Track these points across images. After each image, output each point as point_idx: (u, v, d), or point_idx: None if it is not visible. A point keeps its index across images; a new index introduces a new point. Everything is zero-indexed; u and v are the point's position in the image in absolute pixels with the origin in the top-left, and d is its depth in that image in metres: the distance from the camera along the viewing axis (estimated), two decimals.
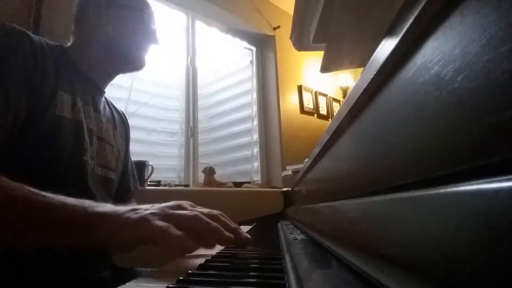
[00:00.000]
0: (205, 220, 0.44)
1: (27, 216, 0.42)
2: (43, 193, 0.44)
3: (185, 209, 0.47)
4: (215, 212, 0.49)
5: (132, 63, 0.73)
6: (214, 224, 0.45)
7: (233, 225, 0.50)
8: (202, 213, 0.46)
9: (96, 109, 0.69)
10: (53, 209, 0.43)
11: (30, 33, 0.57)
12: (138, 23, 0.72)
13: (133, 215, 0.44)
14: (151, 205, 0.46)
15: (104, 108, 0.75)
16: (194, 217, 0.44)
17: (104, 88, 0.74)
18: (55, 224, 0.43)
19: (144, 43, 0.74)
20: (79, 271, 0.58)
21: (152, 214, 0.43)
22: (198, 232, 0.43)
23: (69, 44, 0.70)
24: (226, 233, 0.45)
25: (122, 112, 0.86)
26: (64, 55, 0.65)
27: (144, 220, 0.43)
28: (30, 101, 0.53)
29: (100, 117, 0.70)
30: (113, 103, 0.83)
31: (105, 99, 0.77)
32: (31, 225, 0.42)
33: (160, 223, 0.42)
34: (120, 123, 0.81)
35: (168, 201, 0.49)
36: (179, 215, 0.44)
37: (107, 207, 0.46)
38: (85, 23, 0.69)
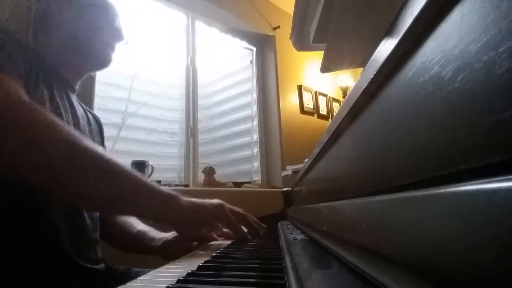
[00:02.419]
0: (251, 221, 0.68)
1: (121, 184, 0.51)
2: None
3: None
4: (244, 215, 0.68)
5: (97, 60, 0.74)
6: (255, 225, 0.68)
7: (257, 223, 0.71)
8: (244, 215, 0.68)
9: (71, 105, 0.71)
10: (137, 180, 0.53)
11: (5, 34, 0.60)
12: (101, 20, 0.73)
13: (206, 202, 0.62)
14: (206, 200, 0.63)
15: (78, 106, 0.76)
16: (245, 215, 0.67)
17: (76, 86, 0.76)
18: (140, 193, 0.53)
19: (109, 39, 0.75)
20: (76, 260, 0.58)
21: (222, 204, 0.63)
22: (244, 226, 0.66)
23: (38, 44, 0.71)
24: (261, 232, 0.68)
25: (93, 113, 0.88)
26: (36, 55, 0.66)
27: (220, 206, 0.63)
28: None
29: (76, 113, 0.71)
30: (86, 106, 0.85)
31: (77, 99, 0.78)
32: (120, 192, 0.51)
33: (229, 213, 0.63)
34: (93, 121, 0.83)
35: None
36: (239, 212, 0.66)
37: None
38: (49, 23, 0.71)
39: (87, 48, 0.71)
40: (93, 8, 0.73)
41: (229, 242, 0.65)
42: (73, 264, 0.57)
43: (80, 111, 0.76)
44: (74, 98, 0.74)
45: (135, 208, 0.57)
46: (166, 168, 1.78)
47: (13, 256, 0.50)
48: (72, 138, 0.48)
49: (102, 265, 0.67)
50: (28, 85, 0.56)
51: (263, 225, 0.70)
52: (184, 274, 0.33)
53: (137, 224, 0.77)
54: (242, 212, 0.68)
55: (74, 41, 0.70)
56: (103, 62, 0.75)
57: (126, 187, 0.52)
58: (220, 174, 1.88)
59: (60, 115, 0.62)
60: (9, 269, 0.49)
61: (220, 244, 0.63)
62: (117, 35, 0.76)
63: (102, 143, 0.86)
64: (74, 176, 0.47)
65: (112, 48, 0.76)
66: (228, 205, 0.65)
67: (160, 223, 0.61)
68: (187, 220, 0.58)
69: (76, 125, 0.70)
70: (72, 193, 0.49)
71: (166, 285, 0.29)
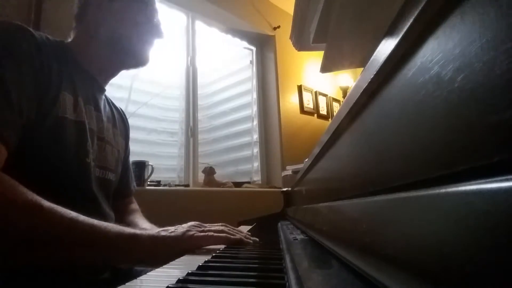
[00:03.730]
0: (230, 232, 0.59)
1: (71, 235, 0.46)
2: (73, 213, 0.47)
3: (197, 227, 0.58)
4: (222, 226, 0.61)
5: (135, 58, 0.70)
6: (238, 234, 0.59)
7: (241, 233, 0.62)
8: (217, 229, 0.59)
9: (97, 108, 0.68)
10: (92, 229, 0.48)
11: (31, 30, 0.56)
12: (140, 16, 0.69)
13: (169, 234, 0.53)
14: (173, 228, 0.55)
15: (105, 106, 0.73)
16: (222, 230, 0.58)
17: (105, 86, 0.73)
18: (97, 244, 0.48)
19: (148, 36, 0.71)
20: (79, 273, 0.57)
21: (189, 230, 0.54)
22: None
23: (70, 40, 0.67)
24: (246, 240, 0.59)
25: (121, 110, 0.84)
26: (65, 51, 0.63)
27: (187, 234, 0.53)
28: (38, 102, 0.52)
29: (101, 116, 0.69)
30: (113, 101, 0.82)
31: (105, 97, 0.75)
32: (71, 243, 0.46)
33: (202, 233, 0.54)
34: (120, 121, 0.80)
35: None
36: (210, 229, 0.57)
37: (135, 230, 0.53)
38: (86, 18, 0.67)
39: (124, 45, 0.67)
40: (133, 3, 0.69)
41: None
42: (75, 277, 0.56)
43: (106, 112, 0.73)
44: (102, 99, 0.71)
45: (95, 259, 0.51)
46: (166, 168, 1.78)
47: (11, 268, 0.49)
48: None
49: (106, 274, 0.66)
50: (48, 93, 0.54)
51: (252, 238, 0.62)
52: (184, 274, 0.33)
53: (142, 224, 0.75)
54: (220, 226, 0.60)
55: (112, 38, 0.66)
56: (141, 60, 0.71)
57: (77, 242, 0.47)
58: (220, 174, 1.88)
59: (81, 123, 0.60)
60: (6, 279, 0.48)
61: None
62: (156, 32, 0.72)
63: (126, 145, 0.83)
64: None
65: (151, 46, 0.72)
66: (198, 227, 0.57)
67: (127, 264, 0.56)
68: (152, 257, 0.51)
69: (100, 131, 0.67)
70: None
71: (166, 285, 0.29)
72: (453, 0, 0.12)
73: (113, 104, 0.81)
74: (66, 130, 0.56)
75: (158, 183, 1.58)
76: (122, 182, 0.80)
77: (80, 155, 0.59)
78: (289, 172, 1.38)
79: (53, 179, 0.54)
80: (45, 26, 1.20)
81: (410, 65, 0.15)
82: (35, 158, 0.52)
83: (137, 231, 0.52)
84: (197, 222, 0.60)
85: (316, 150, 0.45)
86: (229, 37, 2.26)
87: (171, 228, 0.55)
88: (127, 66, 0.73)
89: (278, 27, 2.41)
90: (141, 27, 0.69)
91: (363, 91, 0.21)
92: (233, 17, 2.17)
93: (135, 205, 0.84)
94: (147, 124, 1.75)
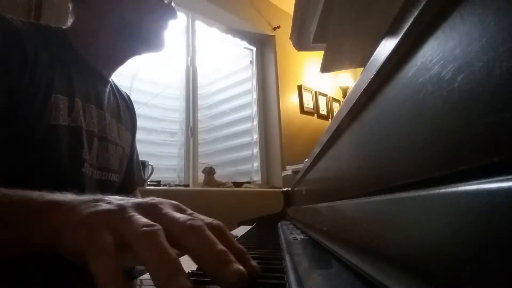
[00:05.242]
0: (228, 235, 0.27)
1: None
2: None
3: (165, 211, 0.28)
4: (215, 222, 0.30)
5: (150, 45, 0.64)
6: (219, 247, 0.25)
7: (238, 244, 0.30)
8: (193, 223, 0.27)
9: (99, 105, 0.63)
10: None
11: (14, 20, 0.49)
12: None
13: (87, 208, 0.27)
14: (127, 198, 0.30)
15: (109, 99, 0.67)
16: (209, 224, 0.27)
17: (109, 77, 0.67)
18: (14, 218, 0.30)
19: (162, 20, 0.64)
20: (81, 272, 0.57)
21: (108, 210, 0.26)
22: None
23: (68, 25, 0.60)
24: (235, 265, 0.24)
25: (127, 95, 0.78)
26: (62, 40, 0.57)
27: (90, 219, 0.25)
28: (19, 107, 0.47)
29: (103, 114, 0.64)
30: (118, 87, 0.75)
31: (110, 85, 0.69)
32: None
33: (105, 232, 0.24)
34: (125, 112, 0.75)
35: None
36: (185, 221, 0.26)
37: (68, 195, 0.30)
38: (89, 6, 0.59)
39: (137, 33, 0.61)
40: None
41: None
42: (75, 277, 0.56)
43: (110, 106, 0.67)
44: (105, 92, 0.65)
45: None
46: (166, 168, 1.78)
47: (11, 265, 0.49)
48: None
49: None
50: (35, 97, 0.48)
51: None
52: None
53: None
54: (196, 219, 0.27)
55: (121, 25, 0.59)
56: (157, 47, 0.65)
57: None
58: (220, 174, 1.88)
59: (77, 129, 0.55)
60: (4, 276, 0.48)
61: None
62: (169, 13, 0.65)
63: (132, 137, 0.79)
64: None
65: (165, 29, 0.65)
66: (155, 208, 0.29)
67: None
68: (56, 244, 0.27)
69: (102, 130, 0.63)
70: None
71: None
72: (453, 0, 0.12)
73: (118, 92, 0.75)
74: (58, 139, 0.51)
75: (158, 183, 1.58)
76: (129, 178, 0.77)
77: (75, 165, 0.55)
78: (289, 172, 1.37)
79: (45, 187, 0.51)
80: (46, 22, 1.21)
81: (410, 65, 0.15)
82: (25, 169, 0.48)
83: (61, 197, 0.30)
84: (173, 203, 0.32)
85: (316, 150, 0.45)
86: (229, 37, 2.27)
87: (116, 197, 0.29)
88: (140, 53, 0.66)
89: (278, 27, 2.41)
90: (154, 11, 0.62)
91: (363, 91, 0.21)
92: (233, 17, 2.17)
93: (139, 198, 0.83)
94: (147, 124, 1.75)
